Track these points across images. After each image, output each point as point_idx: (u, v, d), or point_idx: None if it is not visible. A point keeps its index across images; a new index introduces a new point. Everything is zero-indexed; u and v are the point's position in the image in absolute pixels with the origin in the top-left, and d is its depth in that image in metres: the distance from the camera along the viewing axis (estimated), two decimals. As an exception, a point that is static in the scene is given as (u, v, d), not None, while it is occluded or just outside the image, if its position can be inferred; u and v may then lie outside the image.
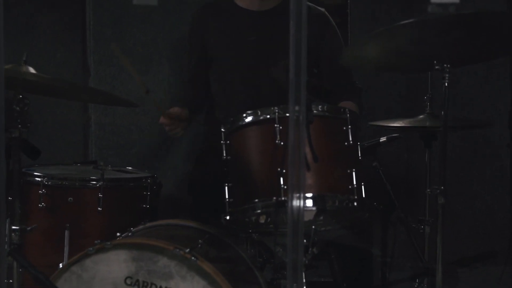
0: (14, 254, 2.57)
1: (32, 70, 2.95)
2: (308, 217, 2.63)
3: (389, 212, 3.16)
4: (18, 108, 2.80)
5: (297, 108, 1.85)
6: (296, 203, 1.87)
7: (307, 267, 2.72)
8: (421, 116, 3.32)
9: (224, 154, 2.73)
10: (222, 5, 3.59)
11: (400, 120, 3.28)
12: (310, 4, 3.44)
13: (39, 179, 3.16)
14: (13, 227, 2.80)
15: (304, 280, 2.67)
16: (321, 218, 2.68)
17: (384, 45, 2.75)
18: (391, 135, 3.28)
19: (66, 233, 3.12)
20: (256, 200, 2.62)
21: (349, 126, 2.66)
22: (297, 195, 1.87)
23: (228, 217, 2.70)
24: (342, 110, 2.69)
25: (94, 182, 3.16)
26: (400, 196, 3.25)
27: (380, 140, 3.20)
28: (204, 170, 3.47)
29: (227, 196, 2.70)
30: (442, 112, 2.67)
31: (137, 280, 2.63)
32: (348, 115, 2.67)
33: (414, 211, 3.48)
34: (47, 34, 4.19)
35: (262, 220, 2.70)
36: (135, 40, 4.22)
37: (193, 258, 2.57)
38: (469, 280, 3.95)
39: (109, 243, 2.65)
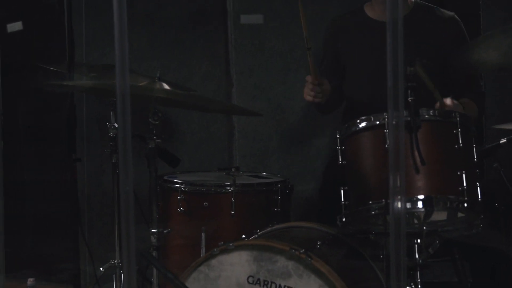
0: (145, 254, 2.79)
1: (165, 86, 3.19)
2: (418, 218, 2.71)
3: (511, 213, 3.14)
4: (152, 121, 3.05)
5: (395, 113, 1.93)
6: (397, 205, 1.96)
7: (422, 267, 2.78)
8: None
9: (340, 159, 2.84)
10: (354, 16, 3.72)
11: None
12: (438, 8, 3.54)
13: (177, 185, 3.40)
14: (152, 230, 3.07)
15: (419, 280, 2.75)
16: (435, 219, 2.75)
17: (498, 46, 2.76)
18: (511, 136, 3.23)
19: (202, 235, 3.34)
20: (370, 202, 2.72)
21: (459, 129, 2.70)
22: (399, 197, 1.96)
23: (344, 219, 2.81)
24: (452, 114, 2.73)
25: (227, 188, 3.36)
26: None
27: (500, 142, 3.17)
28: (332, 174, 3.59)
29: (342, 199, 2.82)
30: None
31: (259, 279, 2.80)
32: (458, 118, 2.71)
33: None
34: (192, 49, 4.47)
35: (376, 221, 2.80)
36: (273, 52, 4.42)
37: (308, 258, 2.71)
38: None
39: (231, 244, 2.84)
